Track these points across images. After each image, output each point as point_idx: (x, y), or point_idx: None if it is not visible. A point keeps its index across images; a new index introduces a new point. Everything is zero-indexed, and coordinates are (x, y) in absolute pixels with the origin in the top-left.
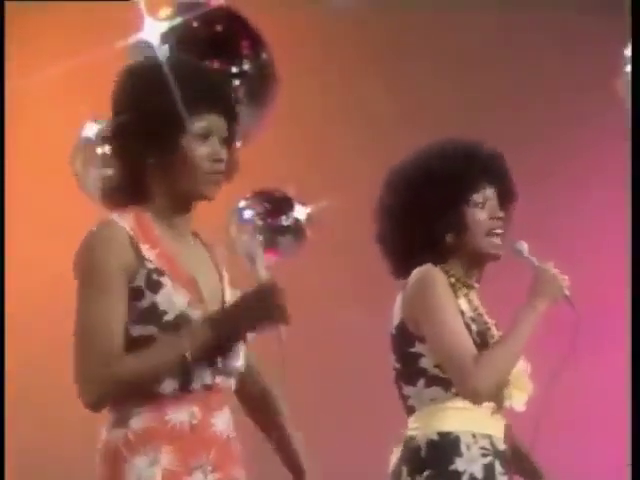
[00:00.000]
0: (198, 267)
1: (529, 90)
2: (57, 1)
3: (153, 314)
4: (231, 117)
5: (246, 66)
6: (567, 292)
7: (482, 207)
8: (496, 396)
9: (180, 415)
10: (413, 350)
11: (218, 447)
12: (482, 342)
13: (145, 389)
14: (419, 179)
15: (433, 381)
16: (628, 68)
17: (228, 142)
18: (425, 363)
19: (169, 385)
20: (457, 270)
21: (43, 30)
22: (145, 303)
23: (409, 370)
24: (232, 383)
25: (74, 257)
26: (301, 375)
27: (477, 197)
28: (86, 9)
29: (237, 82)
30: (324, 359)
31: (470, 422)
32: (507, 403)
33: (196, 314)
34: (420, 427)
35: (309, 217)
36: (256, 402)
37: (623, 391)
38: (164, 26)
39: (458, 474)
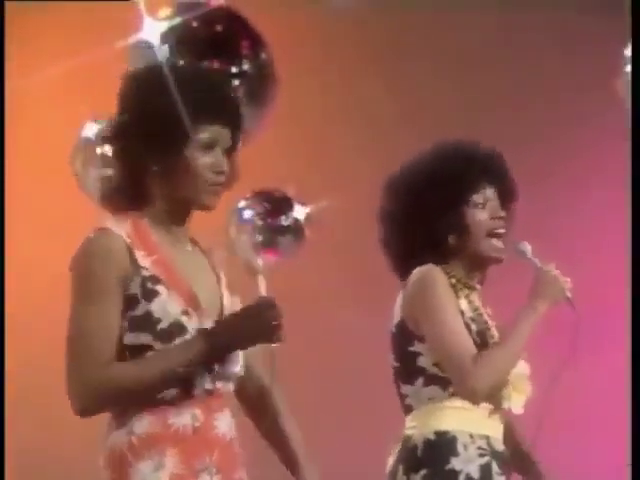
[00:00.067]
0: (196, 273)
1: (529, 90)
2: (57, 1)
3: (147, 322)
4: (235, 127)
5: (246, 66)
6: (569, 294)
7: (482, 207)
8: (495, 397)
9: (182, 418)
10: (412, 349)
11: (221, 449)
12: (482, 342)
13: (140, 397)
14: (419, 181)
15: (432, 380)
16: (628, 68)
17: (230, 152)
18: (424, 362)
19: (170, 391)
20: (458, 271)
21: (43, 30)
22: (140, 311)
23: (408, 369)
24: (232, 387)
25: (70, 263)
26: (301, 375)
27: (477, 198)
28: (86, 9)
29: (237, 82)
30: (324, 359)
31: (468, 422)
32: (505, 405)
33: (191, 322)
34: (417, 426)
35: (309, 217)
36: (255, 402)
37: (623, 391)
38: (164, 26)
39: (454, 474)
